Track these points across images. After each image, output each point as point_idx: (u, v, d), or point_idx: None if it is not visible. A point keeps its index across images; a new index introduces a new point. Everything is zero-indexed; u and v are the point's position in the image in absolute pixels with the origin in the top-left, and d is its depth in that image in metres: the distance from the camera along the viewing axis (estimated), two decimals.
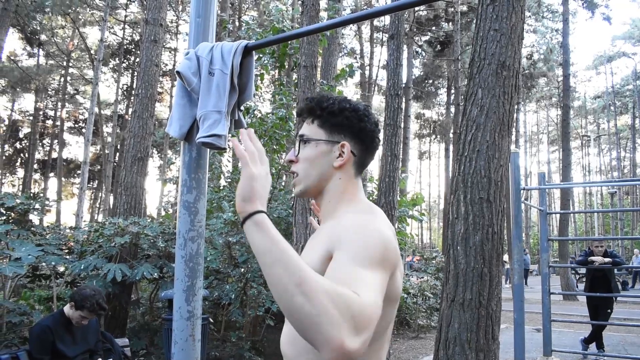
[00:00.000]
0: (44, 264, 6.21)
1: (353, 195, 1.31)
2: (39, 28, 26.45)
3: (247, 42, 1.76)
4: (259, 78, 9.35)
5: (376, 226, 1.12)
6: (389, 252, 1.08)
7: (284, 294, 0.90)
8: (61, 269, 7.15)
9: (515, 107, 4.44)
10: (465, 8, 24.59)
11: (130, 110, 25.34)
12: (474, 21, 4.95)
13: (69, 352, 3.75)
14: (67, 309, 3.81)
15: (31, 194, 6.46)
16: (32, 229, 6.29)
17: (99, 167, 31.02)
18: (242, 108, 1.89)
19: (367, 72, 28.74)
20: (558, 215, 22.50)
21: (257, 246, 0.97)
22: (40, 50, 28.46)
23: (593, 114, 49.87)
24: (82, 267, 5.91)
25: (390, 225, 1.22)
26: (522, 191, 6.53)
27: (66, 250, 6.80)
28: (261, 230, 0.98)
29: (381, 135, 1.41)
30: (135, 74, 26.98)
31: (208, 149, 1.82)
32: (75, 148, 37.00)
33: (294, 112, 8.17)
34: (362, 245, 1.05)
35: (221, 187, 8.85)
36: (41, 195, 6.67)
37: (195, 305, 1.81)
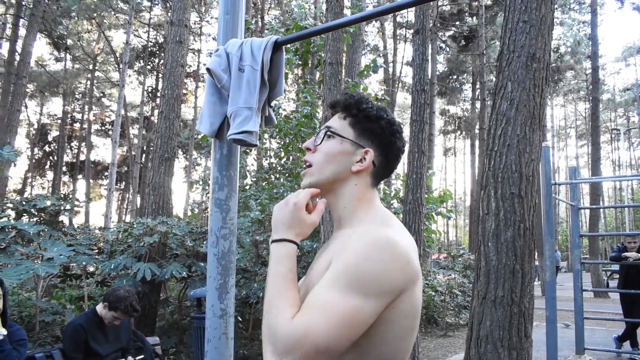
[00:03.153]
0: (74, 264, 6.31)
1: (370, 202, 1.24)
2: (65, 33, 26.90)
3: (277, 37, 1.75)
4: (284, 77, 9.33)
5: (388, 245, 1.04)
6: (390, 277, 1.02)
7: None
8: (91, 268, 7.25)
9: (546, 100, 4.35)
10: (489, 1, 24.25)
11: (156, 111, 25.63)
12: (501, 14, 4.86)
13: (101, 350, 3.79)
14: (100, 308, 3.85)
15: (62, 195, 6.56)
16: (63, 229, 6.39)
17: (126, 168, 31.43)
18: (272, 104, 1.87)
19: (390, 69, 28.56)
20: (587, 211, 22.09)
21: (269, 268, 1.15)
22: (67, 54, 28.94)
23: (623, 107, 48.77)
24: (112, 267, 5.99)
25: (409, 238, 1.16)
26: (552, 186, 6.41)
27: (96, 250, 6.89)
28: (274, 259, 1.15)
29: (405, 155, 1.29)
30: (160, 75, 27.29)
31: (239, 146, 1.81)
32: (103, 150, 37.72)
33: (319, 110, 8.15)
34: (353, 267, 1.02)
35: (247, 186, 8.88)
36: (71, 196, 6.76)
37: (227, 303, 1.80)
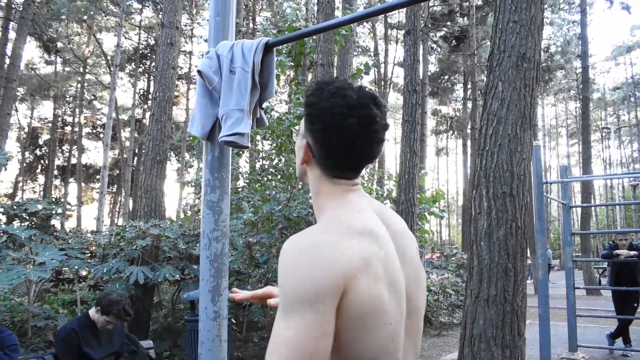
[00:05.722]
0: (67, 268, 6.27)
1: (327, 197, 1.14)
2: (55, 35, 26.74)
3: (267, 39, 1.75)
4: (275, 79, 9.33)
5: (308, 250, 0.96)
6: (317, 282, 0.92)
7: None
8: (84, 272, 7.20)
9: (537, 99, 4.37)
10: (480, 2, 24.35)
11: (147, 114, 25.53)
12: (491, 14, 4.88)
13: (94, 354, 3.76)
14: (93, 312, 3.82)
15: (53, 199, 6.51)
16: (55, 233, 6.35)
17: (117, 171, 31.28)
18: (263, 106, 1.87)
19: (382, 70, 28.62)
20: (579, 209, 22.21)
21: None
22: (58, 57, 28.76)
23: (613, 106, 49.09)
24: (104, 271, 5.96)
25: (361, 224, 1.05)
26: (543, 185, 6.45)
27: (89, 254, 6.85)
28: None
29: (377, 137, 1.13)
30: (152, 77, 27.18)
31: (231, 148, 1.81)
32: (94, 153, 37.40)
33: None
34: (289, 289, 0.94)
35: (240, 189, 8.86)
36: (62, 200, 6.72)
37: (221, 306, 1.80)
